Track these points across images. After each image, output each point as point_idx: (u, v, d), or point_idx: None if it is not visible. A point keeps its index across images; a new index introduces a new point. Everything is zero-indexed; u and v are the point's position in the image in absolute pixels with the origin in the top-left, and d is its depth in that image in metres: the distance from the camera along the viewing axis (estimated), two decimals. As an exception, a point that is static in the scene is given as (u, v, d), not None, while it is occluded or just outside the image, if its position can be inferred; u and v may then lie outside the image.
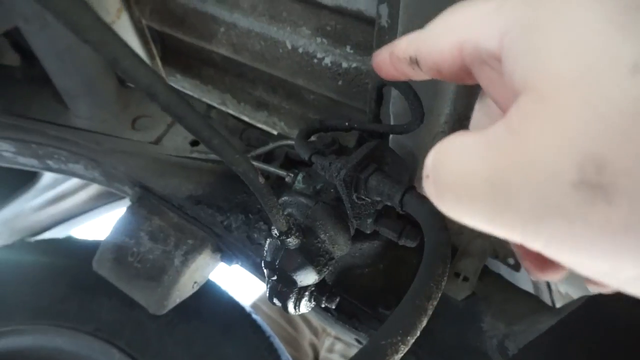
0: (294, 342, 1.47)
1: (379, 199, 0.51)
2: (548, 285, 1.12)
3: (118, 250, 0.80)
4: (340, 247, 0.58)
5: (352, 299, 0.68)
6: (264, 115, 1.01)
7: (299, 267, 0.55)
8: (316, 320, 1.49)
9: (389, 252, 0.70)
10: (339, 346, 1.47)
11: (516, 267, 0.84)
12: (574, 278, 0.84)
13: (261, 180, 0.42)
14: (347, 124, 0.60)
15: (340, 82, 0.79)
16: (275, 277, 0.56)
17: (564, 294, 1.04)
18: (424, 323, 0.35)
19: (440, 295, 0.37)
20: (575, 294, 0.94)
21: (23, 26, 0.79)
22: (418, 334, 0.34)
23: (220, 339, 0.96)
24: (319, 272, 0.56)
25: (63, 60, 0.86)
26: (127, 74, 0.27)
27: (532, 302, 0.68)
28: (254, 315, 1.01)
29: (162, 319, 0.93)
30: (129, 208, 0.84)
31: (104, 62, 0.92)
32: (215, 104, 1.08)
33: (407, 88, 0.52)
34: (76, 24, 0.23)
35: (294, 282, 0.56)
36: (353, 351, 1.42)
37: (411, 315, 0.35)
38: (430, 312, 0.35)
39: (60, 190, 1.34)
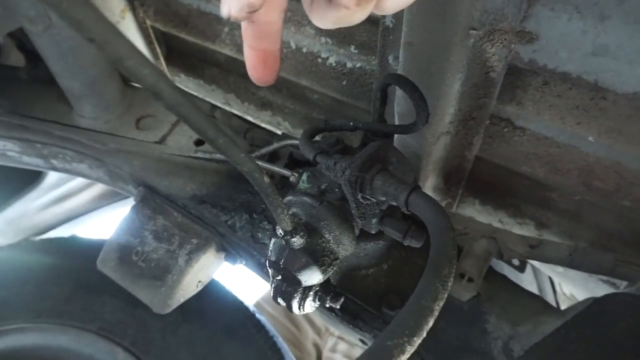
0: (297, 341, 1.47)
1: (384, 198, 0.51)
2: (552, 286, 1.11)
3: (122, 250, 0.80)
4: (345, 247, 0.58)
5: (357, 299, 0.68)
6: (268, 114, 1.01)
7: (304, 267, 0.55)
8: (319, 320, 1.49)
9: (393, 253, 0.70)
10: (341, 346, 1.47)
11: (521, 268, 0.83)
12: (579, 279, 0.83)
13: (266, 179, 0.41)
14: (351, 124, 0.60)
15: (344, 82, 0.79)
16: (279, 277, 0.56)
17: (569, 295, 1.03)
18: (431, 324, 0.35)
19: (446, 295, 0.37)
20: (580, 295, 0.93)
21: (28, 27, 0.80)
22: (424, 334, 0.34)
23: (224, 338, 0.96)
24: (323, 272, 0.56)
25: (67, 61, 0.86)
26: (132, 73, 0.27)
27: (537, 303, 0.67)
28: (258, 315, 1.01)
29: (165, 319, 0.93)
30: (133, 207, 0.84)
31: (108, 63, 0.92)
32: (219, 104, 1.08)
33: (412, 88, 0.52)
34: (80, 23, 0.23)
35: (299, 282, 0.55)
36: (356, 351, 1.42)
37: (417, 316, 0.34)
38: (436, 313, 0.35)
39: (65, 190, 1.35)
